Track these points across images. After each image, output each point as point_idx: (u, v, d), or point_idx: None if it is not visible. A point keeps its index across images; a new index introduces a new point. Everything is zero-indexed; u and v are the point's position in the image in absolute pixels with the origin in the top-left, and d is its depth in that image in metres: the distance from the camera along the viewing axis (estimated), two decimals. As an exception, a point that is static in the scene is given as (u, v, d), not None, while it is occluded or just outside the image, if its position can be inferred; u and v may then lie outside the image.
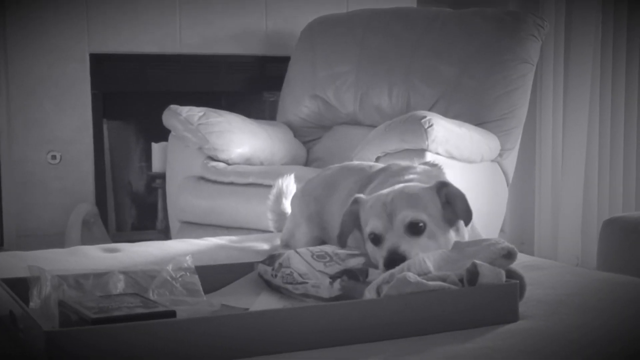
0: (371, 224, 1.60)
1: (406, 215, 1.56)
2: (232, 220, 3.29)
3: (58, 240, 3.79)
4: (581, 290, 1.66)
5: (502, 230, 3.78)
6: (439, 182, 1.65)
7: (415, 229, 1.56)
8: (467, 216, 1.63)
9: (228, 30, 4.22)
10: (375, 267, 1.55)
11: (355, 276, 1.49)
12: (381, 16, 3.93)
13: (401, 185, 1.67)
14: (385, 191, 1.65)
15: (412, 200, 1.59)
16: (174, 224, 3.59)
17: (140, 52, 4.08)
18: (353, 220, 1.67)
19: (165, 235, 3.94)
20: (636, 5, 4.12)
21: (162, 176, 3.92)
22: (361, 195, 1.69)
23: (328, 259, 1.55)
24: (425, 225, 1.57)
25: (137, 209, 4.42)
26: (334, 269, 1.51)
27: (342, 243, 1.69)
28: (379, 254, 1.56)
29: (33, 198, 3.97)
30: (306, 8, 4.26)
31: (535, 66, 3.66)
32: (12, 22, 3.88)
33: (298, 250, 1.61)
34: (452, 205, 1.62)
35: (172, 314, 1.26)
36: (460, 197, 1.62)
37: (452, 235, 1.61)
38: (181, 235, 3.44)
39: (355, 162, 2.14)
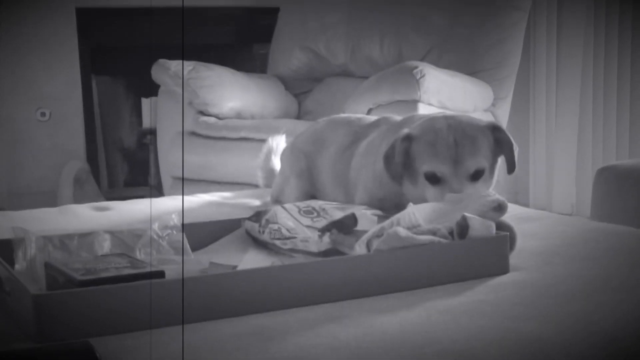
0: (433, 165, 1.59)
1: (471, 164, 1.59)
2: (225, 175, 3.28)
3: (50, 198, 3.78)
4: (574, 240, 1.65)
5: (497, 181, 3.76)
6: (492, 124, 1.66)
7: (476, 175, 1.60)
8: (512, 167, 1.67)
9: (216, -18, 4.16)
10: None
11: (345, 227, 1.48)
12: (372, -35, 3.87)
13: (456, 117, 1.66)
14: (441, 124, 1.63)
15: (476, 145, 1.60)
16: (166, 180, 3.57)
17: (127, 5, 4.02)
18: (403, 158, 1.64)
19: (158, 191, 3.92)
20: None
21: (152, 132, 3.90)
22: (410, 132, 1.65)
23: (315, 214, 1.54)
24: (484, 171, 1.61)
25: (129, 165, 4.40)
26: (322, 223, 1.49)
27: (399, 181, 1.66)
28: (437, 195, 1.58)
29: (23, 156, 3.95)
30: (296, -42, 4.19)
31: (527, 13, 3.61)
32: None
33: (284, 205, 1.60)
34: (499, 150, 1.65)
35: (160, 274, 1.24)
36: (510, 146, 1.66)
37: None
38: (174, 191, 3.43)
39: (344, 115, 2.12)
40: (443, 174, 1.59)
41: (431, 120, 1.66)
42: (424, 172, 1.60)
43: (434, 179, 1.60)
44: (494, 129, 1.65)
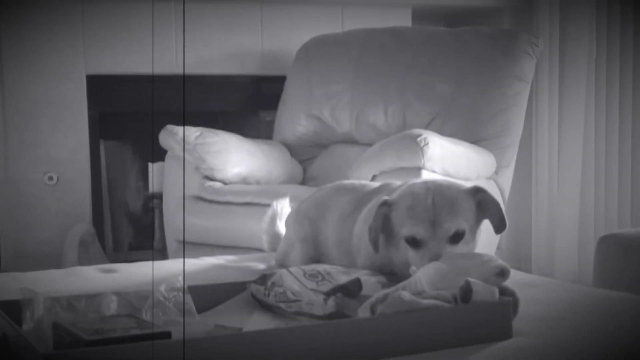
0: (412, 229, 1.61)
1: (450, 226, 1.60)
2: (229, 239, 3.28)
3: (55, 260, 3.79)
4: (576, 307, 1.66)
5: (499, 248, 3.77)
6: (474, 187, 1.68)
7: (456, 238, 1.61)
8: (501, 225, 1.68)
9: (224, 50, 4.23)
10: (403, 269, 1.58)
11: (350, 292, 1.49)
12: (376, 35, 3.94)
13: (436, 181, 1.68)
14: (419, 188, 1.65)
15: (455, 207, 1.61)
16: (171, 244, 3.58)
17: (136, 72, 4.08)
18: (382, 223, 1.66)
19: (163, 254, 3.93)
20: (627, 23, 4.13)
21: (158, 196, 3.92)
22: (389, 198, 1.68)
23: (320, 277, 1.55)
24: (464, 233, 1.61)
25: (134, 229, 4.42)
26: (327, 287, 1.50)
27: (376, 248, 1.67)
28: (418, 259, 1.59)
29: (30, 219, 3.96)
30: (302, 28, 4.27)
31: (530, 84, 3.66)
32: (8, 42, 3.89)
33: (290, 269, 1.61)
34: (484, 211, 1.66)
35: (167, 334, 1.25)
36: (495, 205, 1.67)
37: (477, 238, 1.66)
38: (178, 254, 3.44)
39: (348, 182, 2.15)
40: (422, 236, 1.60)
41: (411, 185, 1.69)
42: (404, 237, 1.63)
43: (413, 242, 1.62)
44: (476, 191, 1.67)
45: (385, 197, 1.68)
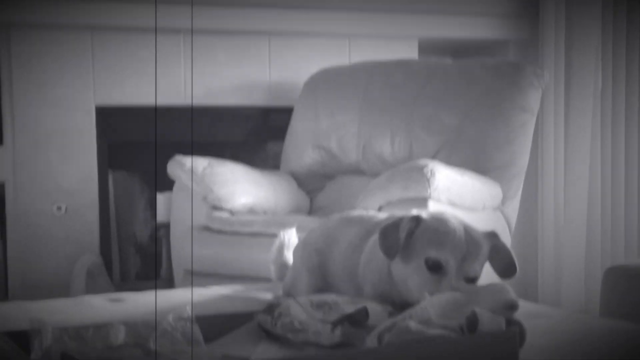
0: (440, 253, 1.60)
1: (473, 269, 1.61)
2: (236, 268, 3.28)
3: (63, 290, 3.79)
4: (583, 337, 1.65)
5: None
6: (491, 232, 1.68)
7: (472, 281, 1.62)
8: (512, 271, 1.68)
9: (232, 82, 4.26)
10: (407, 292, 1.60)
11: (357, 321, 1.48)
12: (383, 67, 3.96)
13: (465, 223, 1.67)
14: (452, 219, 1.65)
15: (480, 252, 1.62)
16: (178, 273, 3.58)
17: (146, 103, 4.11)
18: (404, 237, 1.64)
19: (170, 284, 3.92)
20: (633, 55, 4.15)
21: (166, 226, 3.92)
22: (420, 214, 1.67)
23: (327, 307, 1.55)
24: (477, 280, 1.63)
25: (142, 258, 4.42)
26: (333, 316, 1.50)
27: (392, 254, 1.65)
28: (432, 284, 1.58)
29: (38, 248, 3.97)
30: (309, 60, 4.30)
31: (536, 115, 3.67)
32: (19, 73, 3.92)
33: (297, 299, 1.61)
34: (494, 258, 1.67)
35: (173, 364, 1.26)
36: (508, 254, 1.68)
37: None
38: (185, 284, 3.43)
39: (355, 213, 2.14)
40: (447, 265, 1.60)
41: (441, 214, 1.69)
42: (426, 257, 1.61)
43: (435, 267, 1.61)
44: (493, 236, 1.68)
45: (417, 212, 1.68)
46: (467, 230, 1.64)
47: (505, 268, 1.69)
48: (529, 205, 4.21)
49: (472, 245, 1.62)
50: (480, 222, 3.36)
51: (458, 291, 1.50)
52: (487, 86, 3.66)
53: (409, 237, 1.65)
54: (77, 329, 1.42)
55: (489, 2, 4.45)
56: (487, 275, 1.68)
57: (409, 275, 1.64)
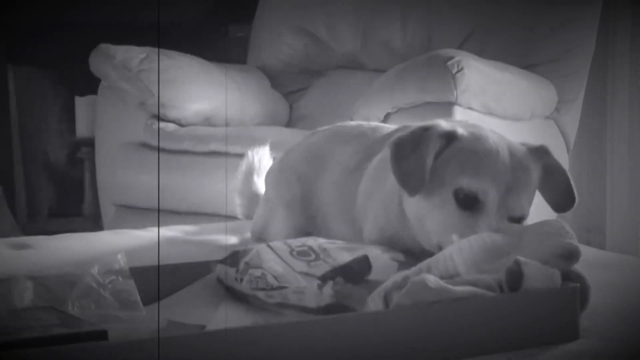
0: (478, 183, 1.58)
1: (522, 204, 1.60)
2: (187, 203, 3.30)
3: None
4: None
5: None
6: (540, 147, 1.68)
7: (518, 221, 1.61)
8: (569, 202, 1.69)
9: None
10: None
11: (354, 275, 1.49)
12: None
13: (508, 140, 1.67)
14: (493, 136, 1.64)
15: (530, 179, 1.63)
16: (106, 209, 3.59)
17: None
18: (432, 159, 1.62)
19: (95, 223, 3.94)
20: None
21: (89, 143, 3.92)
22: (455, 129, 1.64)
23: (313, 256, 1.55)
24: (524, 219, 1.62)
25: (56, 188, 4.42)
26: (322, 269, 1.50)
27: (416, 189, 1.62)
28: (464, 224, 1.57)
29: None
30: None
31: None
32: None
33: (272, 244, 1.61)
34: (545, 183, 1.67)
35: (102, 334, 1.26)
36: (564, 177, 1.68)
37: None
38: (117, 224, 3.45)
39: (352, 124, 2.14)
40: (487, 199, 1.58)
41: (478, 127, 1.67)
42: (456, 188, 1.59)
43: (469, 202, 1.59)
44: (544, 152, 1.68)
45: (450, 125, 1.65)
46: (512, 150, 1.63)
47: (560, 197, 1.69)
48: (596, 115, 4.20)
49: (520, 172, 1.61)
50: (526, 136, 3.38)
51: (498, 234, 1.49)
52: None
53: (433, 160, 1.62)
54: (-35, 286, 1.42)
55: None
56: (534, 208, 1.69)
57: (429, 211, 1.62)
